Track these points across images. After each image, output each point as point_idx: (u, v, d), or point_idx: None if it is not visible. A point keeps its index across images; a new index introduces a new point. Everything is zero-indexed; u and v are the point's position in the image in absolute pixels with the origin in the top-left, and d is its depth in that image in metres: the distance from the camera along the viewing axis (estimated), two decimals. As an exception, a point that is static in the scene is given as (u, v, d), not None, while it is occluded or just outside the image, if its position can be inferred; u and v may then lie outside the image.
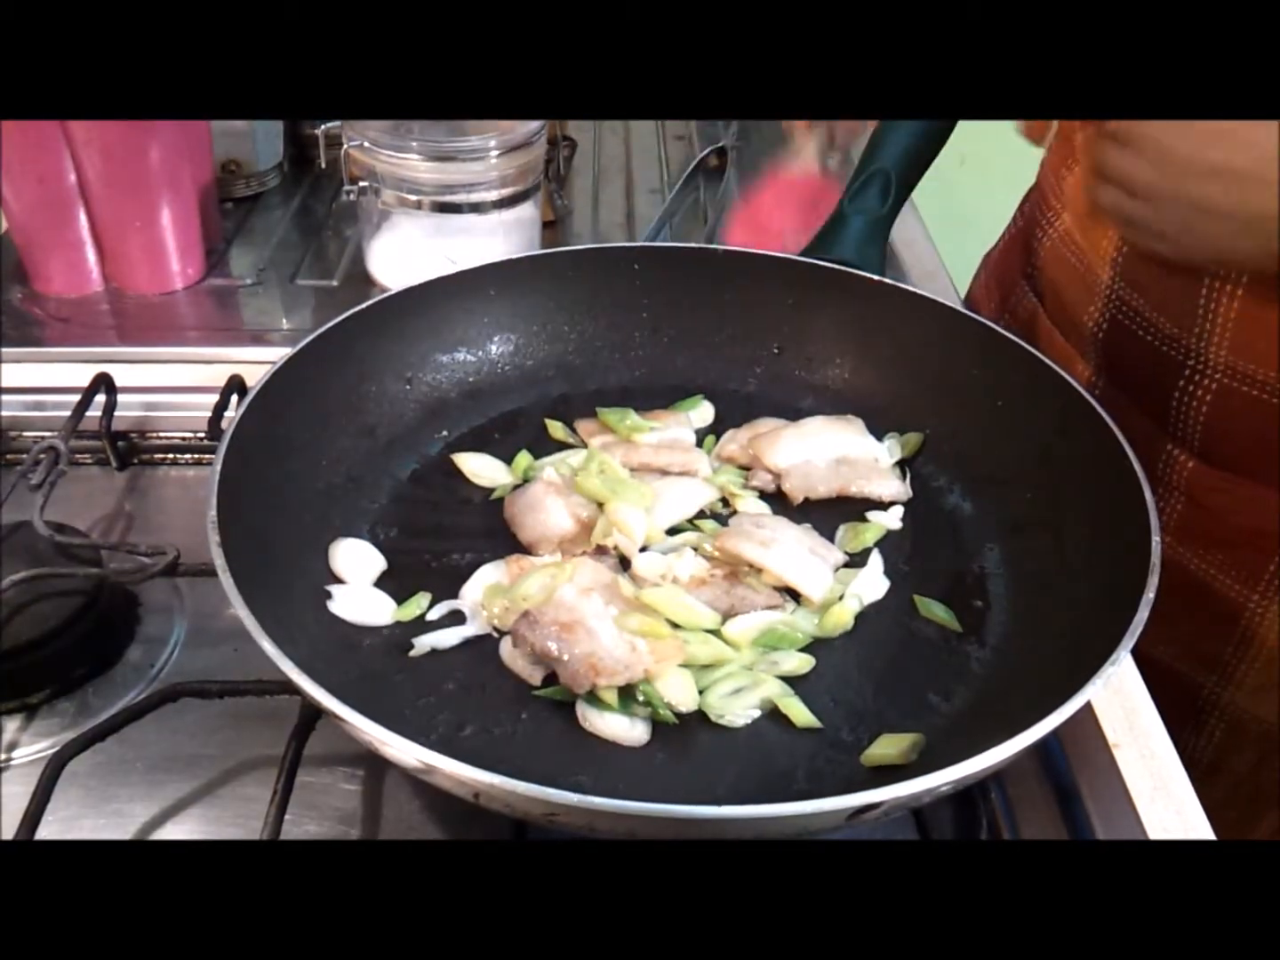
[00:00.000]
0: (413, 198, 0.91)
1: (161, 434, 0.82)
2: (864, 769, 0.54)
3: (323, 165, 0.95)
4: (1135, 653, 0.81)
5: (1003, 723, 0.47)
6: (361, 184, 0.92)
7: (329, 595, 0.62)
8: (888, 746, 0.54)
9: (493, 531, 0.68)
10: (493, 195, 0.92)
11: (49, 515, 0.65)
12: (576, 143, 1.24)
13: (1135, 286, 0.78)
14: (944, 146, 0.88)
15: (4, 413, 0.82)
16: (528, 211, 0.97)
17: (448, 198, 0.91)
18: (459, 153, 0.89)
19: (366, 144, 0.90)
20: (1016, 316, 0.95)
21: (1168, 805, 0.56)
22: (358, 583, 0.63)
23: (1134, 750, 0.59)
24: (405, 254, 0.96)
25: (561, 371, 0.80)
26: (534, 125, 0.93)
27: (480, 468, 0.73)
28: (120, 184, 0.92)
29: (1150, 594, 0.53)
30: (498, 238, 0.95)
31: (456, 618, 0.62)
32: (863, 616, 0.63)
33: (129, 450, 0.81)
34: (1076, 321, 0.85)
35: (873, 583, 0.65)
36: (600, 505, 0.67)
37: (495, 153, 0.90)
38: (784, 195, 1.10)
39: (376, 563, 0.65)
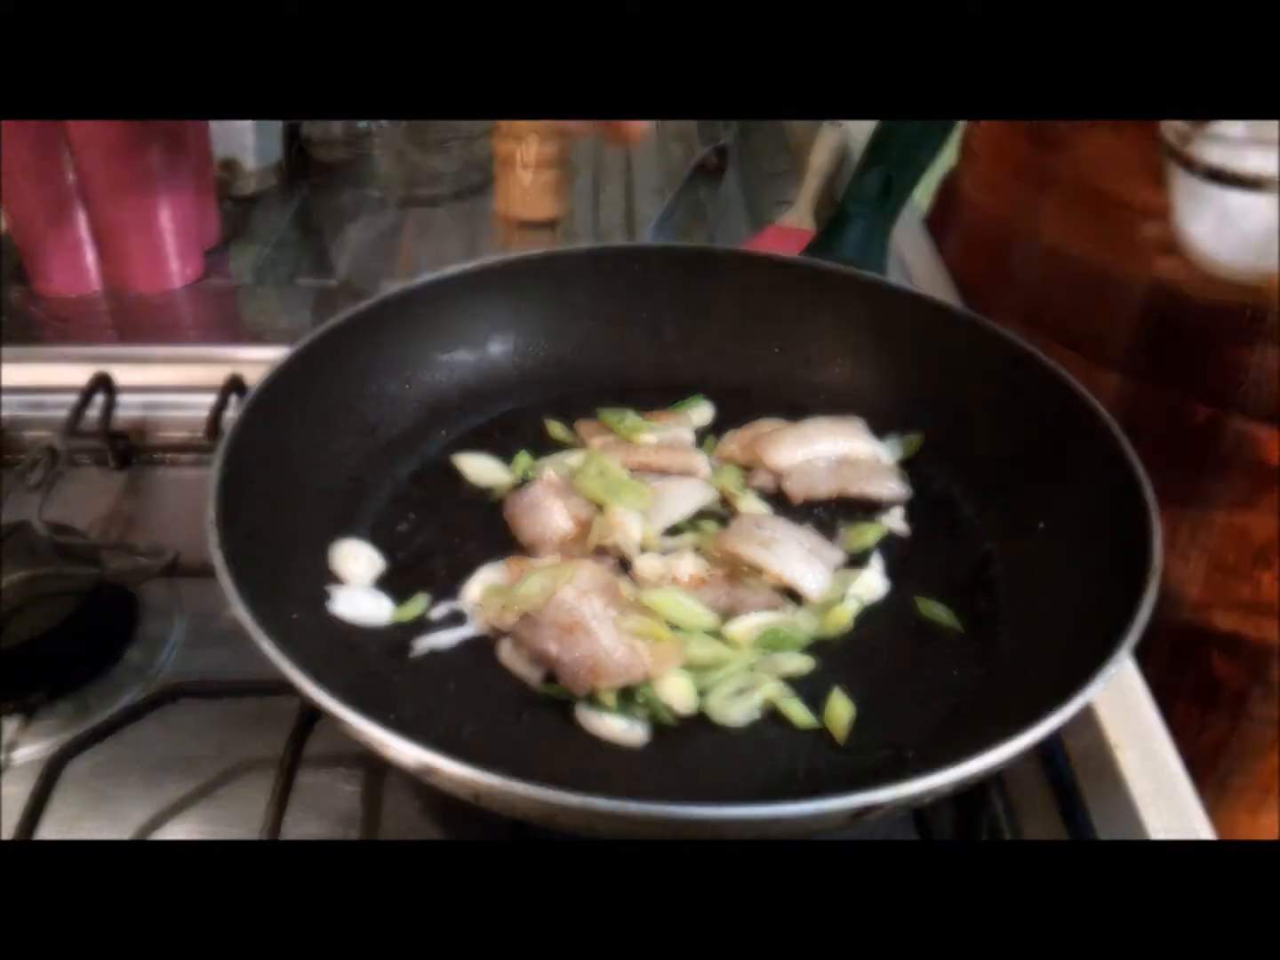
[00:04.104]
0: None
1: (161, 434, 0.82)
2: (865, 769, 0.54)
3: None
4: (1190, 628, 0.82)
5: (1003, 723, 0.47)
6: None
7: (329, 595, 0.61)
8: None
9: (493, 532, 0.68)
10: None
11: (48, 515, 0.65)
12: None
13: (1183, 278, 0.78)
14: (944, 146, 0.88)
15: (4, 413, 0.82)
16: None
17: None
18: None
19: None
20: None
21: (1168, 805, 0.56)
22: (358, 583, 0.63)
23: (1135, 751, 0.59)
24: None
25: (561, 371, 0.80)
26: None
27: (480, 468, 0.73)
28: (120, 184, 0.91)
29: (1151, 594, 0.53)
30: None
31: (456, 618, 0.62)
32: (863, 616, 0.63)
33: (128, 450, 0.81)
34: (1096, 335, 0.85)
35: (873, 583, 0.65)
36: (600, 506, 0.67)
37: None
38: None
39: (376, 563, 0.65)
